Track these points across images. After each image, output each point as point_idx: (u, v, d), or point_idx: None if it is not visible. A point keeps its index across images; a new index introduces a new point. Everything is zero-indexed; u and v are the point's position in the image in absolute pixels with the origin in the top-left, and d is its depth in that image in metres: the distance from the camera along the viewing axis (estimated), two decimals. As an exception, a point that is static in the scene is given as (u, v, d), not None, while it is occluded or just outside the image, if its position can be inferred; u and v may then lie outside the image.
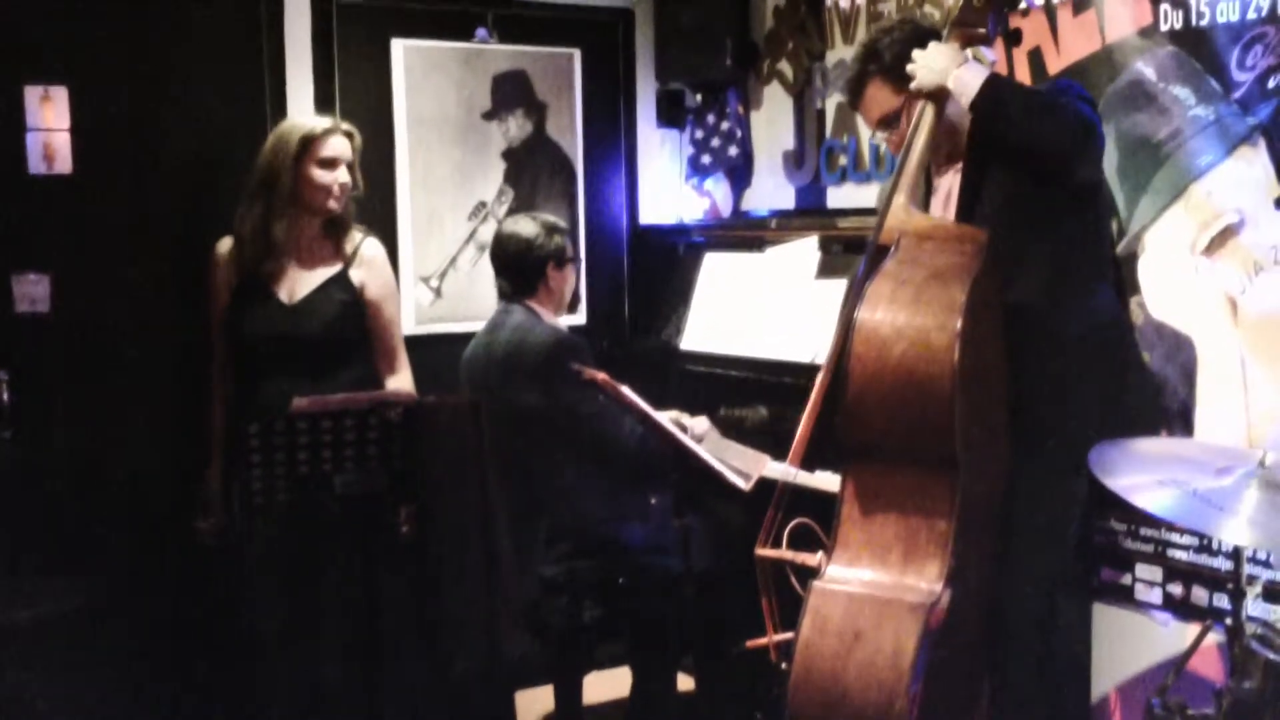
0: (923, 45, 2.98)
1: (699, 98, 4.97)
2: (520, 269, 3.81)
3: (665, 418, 3.55)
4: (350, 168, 3.62)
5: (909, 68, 2.97)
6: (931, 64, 2.91)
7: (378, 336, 3.73)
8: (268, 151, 3.59)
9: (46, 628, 3.71)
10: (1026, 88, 2.89)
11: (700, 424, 3.80)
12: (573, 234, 4.81)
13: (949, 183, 3.13)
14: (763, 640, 2.92)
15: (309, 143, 3.55)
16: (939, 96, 2.95)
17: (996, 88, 2.83)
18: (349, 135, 3.64)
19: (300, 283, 3.61)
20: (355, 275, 3.66)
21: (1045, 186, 2.93)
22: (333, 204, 3.59)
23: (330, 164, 3.57)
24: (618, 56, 5.03)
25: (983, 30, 2.93)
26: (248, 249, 3.57)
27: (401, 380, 3.75)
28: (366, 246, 3.71)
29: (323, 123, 3.63)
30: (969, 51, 2.96)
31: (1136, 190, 3.32)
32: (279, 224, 3.55)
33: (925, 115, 2.96)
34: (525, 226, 3.84)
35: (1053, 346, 2.97)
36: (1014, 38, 3.13)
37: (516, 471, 3.74)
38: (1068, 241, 3.00)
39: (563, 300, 3.91)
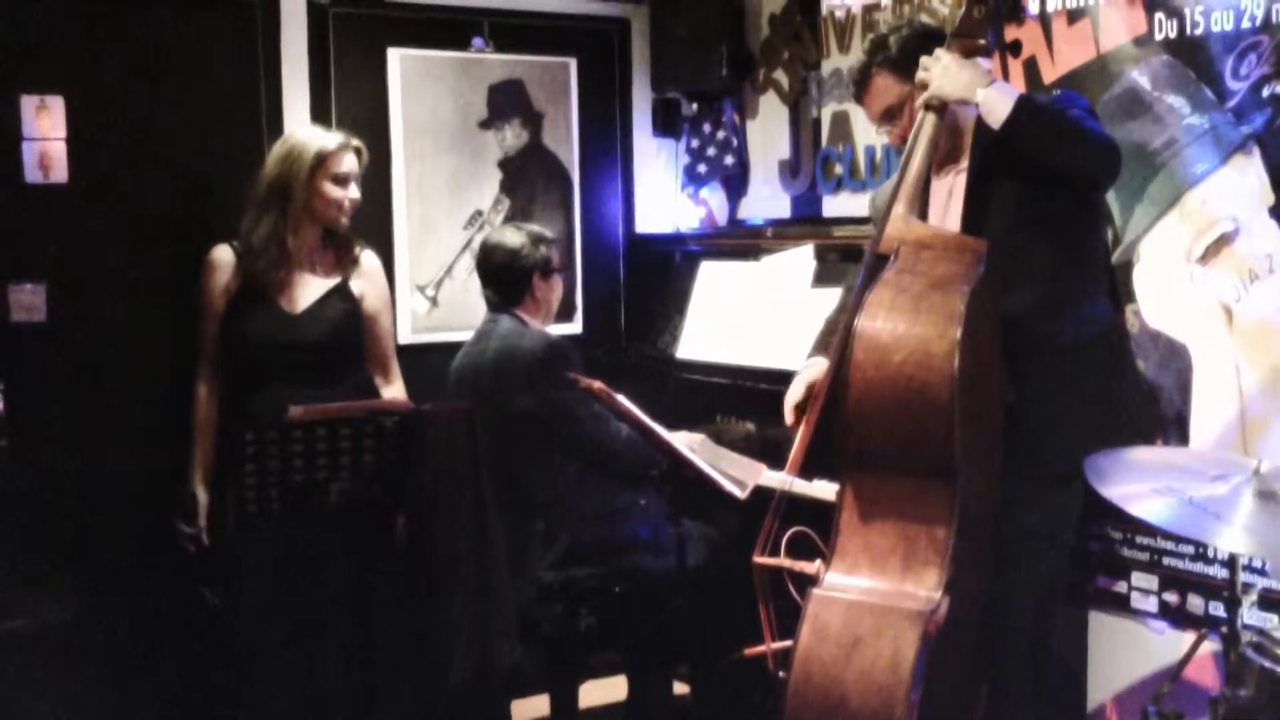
0: (930, 44, 2.99)
1: (695, 107, 4.98)
2: (506, 279, 3.83)
3: (661, 427, 3.55)
4: (360, 178, 3.70)
5: (920, 75, 2.97)
6: (954, 77, 2.91)
7: (374, 347, 3.79)
8: (279, 163, 3.62)
9: (43, 636, 3.70)
10: (1054, 110, 2.90)
11: (691, 439, 3.80)
12: (569, 243, 4.83)
13: (949, 184, 3.14)
14: (760, 648, 2.92)
15: (324, 159, 3.62)
16: (943, 107, 2.96)
17: (1028, 111, 2.84)
18: (358, 151, 3.71)
19: (303, 292, 3.64)
20: (356, 286, 3.73)
21: (1051, 195, 2.94)
22: (342, 216, 3.66)
23: (344, 180, 3.64)
24: (614, 66, 5.04)
25: (983, 41, 2.94)
26: (261, 259, 3.59)
27: (396, 390, 3.80)
28: (366, 258, 3.78)
29: (336, 139, 3.68)
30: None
31: (1131, 199, 3.33)
32: (292, 235, 3.59)
33: (926, 125, 2.97)
34: (511, 237, 3.85)
35: (1047, 355, 2.97)
36: (1012, 49, 3.14)
37: (511, 479, 3.74)
38: (1065, 252, 3.01)
39: (550, 310, 3.93)
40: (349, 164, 3.66)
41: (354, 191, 3.66)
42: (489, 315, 3.88)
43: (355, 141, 3.72)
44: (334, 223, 3.66)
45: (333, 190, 3.62)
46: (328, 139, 3.67)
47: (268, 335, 3.58)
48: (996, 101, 2.86)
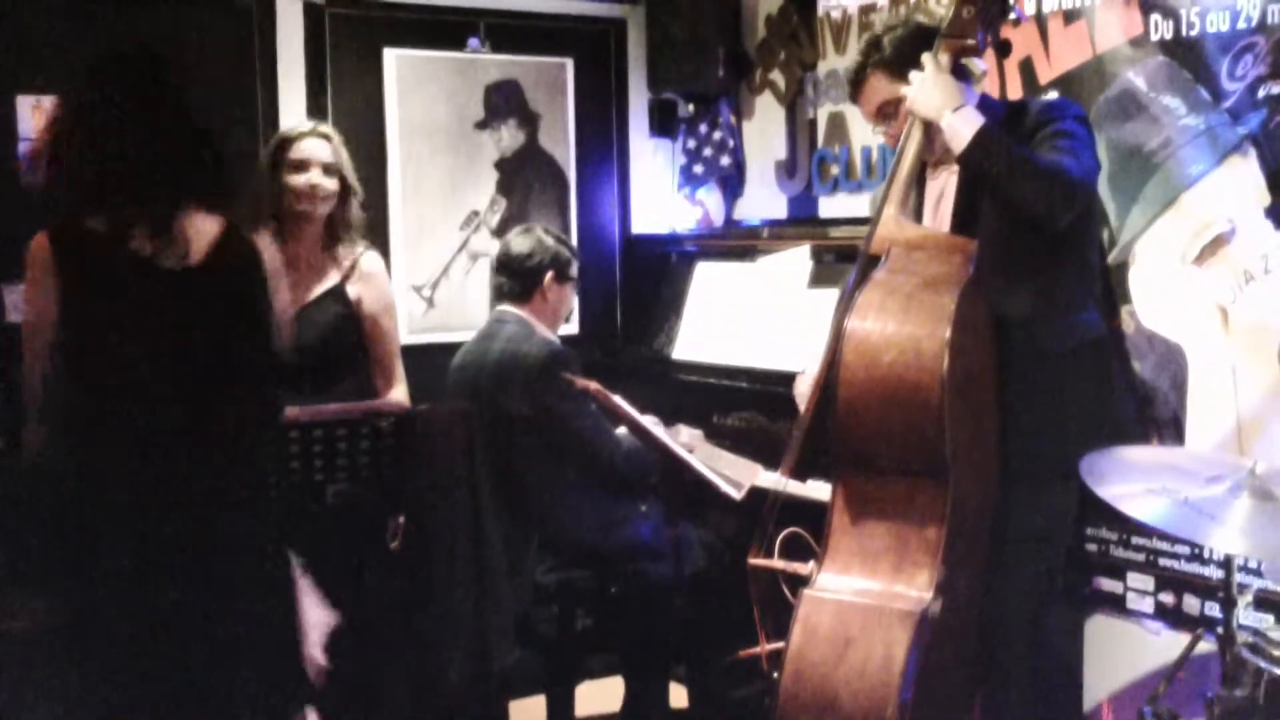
0: (925, 44, 2.99)
1: (691, 107, 4.98)
2: (521, 270, 3.81)
3: (658, 428, 3.55)
4: (329, 169, 3.57)
5: (905, 89, 2.98)
6: (928, 97, 2.91)
7: (374, 350, 3.68)
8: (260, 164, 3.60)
9: (43, 636, 3.69)
10: (1015, 147, 2.87)
11: (682, 432, 3.80)
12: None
13: (940, 184, 3.14)
14: (755, 649, 2.92)
15: (282, 147, 3.55)
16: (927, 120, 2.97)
17: (986, 145, 2.83)
18: (325, 137, 3.59)
19: (297, 295, 3.57)
20: (352, 289, 3.62)
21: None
22: (306, 206, 3.54)
23: (301, 166, 3.53)
24: (610, 66, 5.04)
25: (972, 41, 2.93)
26: None
27: (398, 394, 3.70)
28: (365, 260, 3.66)
29: (300, 127, 3.62)
30: (963, 61, 2.97)
31: (1127, 199, 3.33)
32: (277, 237, 3.53)
33: (915, 128, 2.97)
34: (536, 233, 3.85)
35: (1040, 358, 2.97)
36: (1004, 49, 3.14)
37: (508, 481, 3.73)
38: (1057, 254, 3.00)
39: (558, 316, 3.91)
40: (307, 149, 3.54)
41: (316, 177, 3.53)
42: (495, 313, 3.86)
43: (324, 128, 3.63)
44: (300, 213, 3.54)
45: (292, 179, 3.52)
46: (291, 127, 3.61)
47: None
48: (959, 130, 2.86)
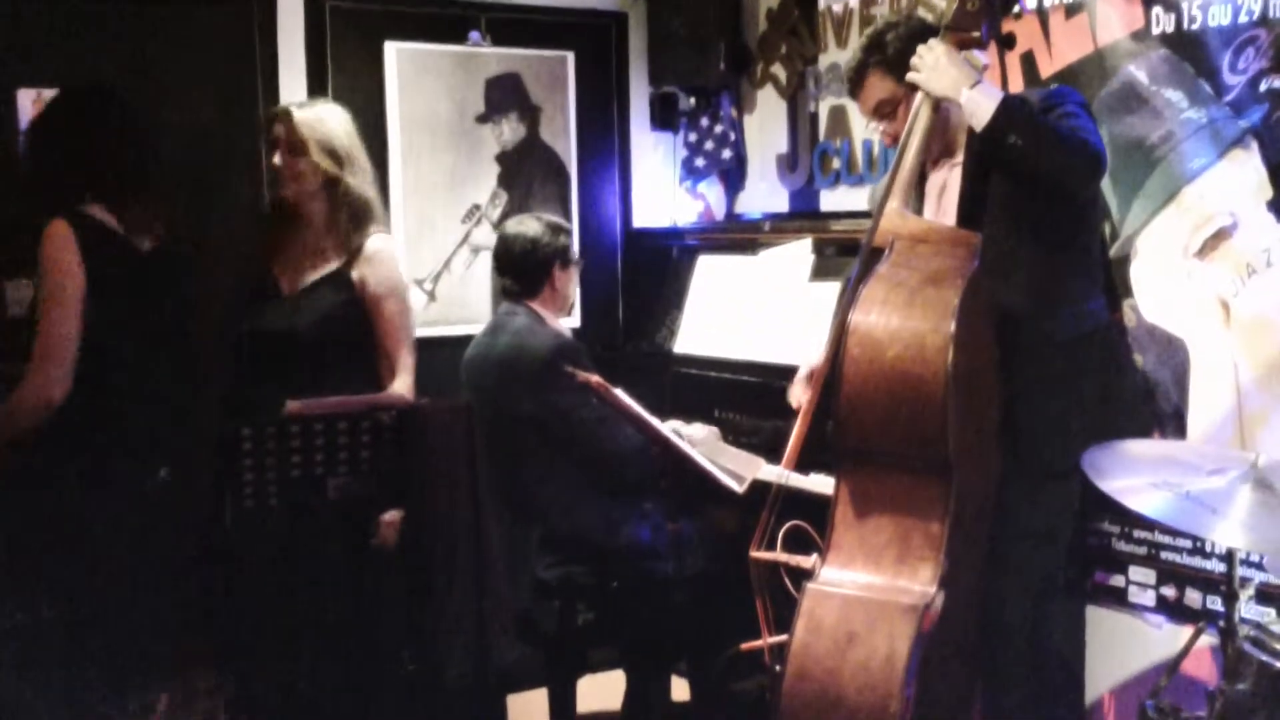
0: (926, 42, 2.97)
1: (692, 101, 4.98)
2: (526, 269, 3.79)
3: (659, 422, 3.55)
4: (294, 148, 3.46)
5: (914, 60, 2.96)
6: (941, 73, 2.89)
7: (377, 335, 3.56)
8: None
9: (42, 634, 3.70)
10: (1037, 116, 2.86)
11: (698, 430, 3.79)
12: (568, 237, 4.83)
13: (943, 178, 3.14)
14: (757, 643, 2.92)
15: (266, 129, 3.55)
16: (938, 102, 2.95)
17: (1011, 116, 2.81)
18: (287, 116, 3.51)
19: (302, 277, 3.52)
20: (355, 273, 3.50)
21: (1041, 197, 2.93)
22: (283, 188, 3.49)
23: (270, 146, 3.50)
24: (611, 60, 5.04)
25: (975, 34, 2.92)
26: (259, 243, 3.56)
27: (401, 384, 3.57)
28: (371, 242, 3.53)
29: (275, 108, 3.61)
30: (963, 55, 2.97)
31: (1129, 193, 3.33)
32: (279, 217, 3.54)
33: (920, 118, 2.96)
34: (530, 226, 3.82)
35: (1042, 350, 2.97)
36: (1007, 42, 3.13)
37: (510, 475, 3.73)
38: (1060, 247, 3.00)
39: (566, 301, 3.90)
40: (276, 130, 3.49)
41: (279, 157, 3.46)
42: (505, 307, 3.85)
43: (290, 107, 3.55)
44: (281, 193, 3.50)
45: (271, 159, 3.49)
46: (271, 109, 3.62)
47: (261, 321, 3.49)
48: (980, 103, 2.85)
